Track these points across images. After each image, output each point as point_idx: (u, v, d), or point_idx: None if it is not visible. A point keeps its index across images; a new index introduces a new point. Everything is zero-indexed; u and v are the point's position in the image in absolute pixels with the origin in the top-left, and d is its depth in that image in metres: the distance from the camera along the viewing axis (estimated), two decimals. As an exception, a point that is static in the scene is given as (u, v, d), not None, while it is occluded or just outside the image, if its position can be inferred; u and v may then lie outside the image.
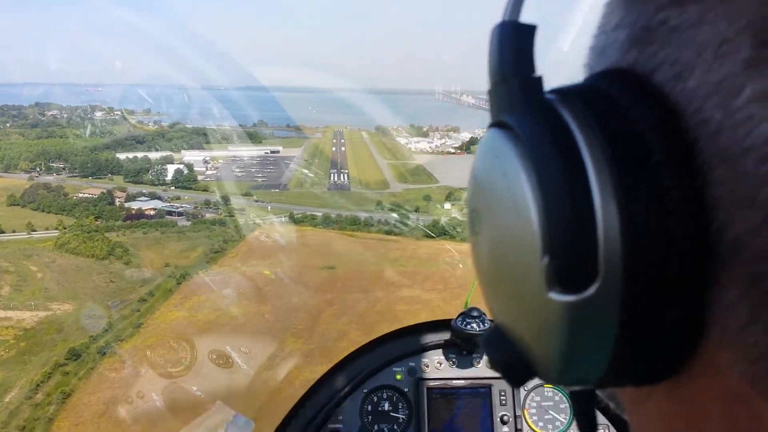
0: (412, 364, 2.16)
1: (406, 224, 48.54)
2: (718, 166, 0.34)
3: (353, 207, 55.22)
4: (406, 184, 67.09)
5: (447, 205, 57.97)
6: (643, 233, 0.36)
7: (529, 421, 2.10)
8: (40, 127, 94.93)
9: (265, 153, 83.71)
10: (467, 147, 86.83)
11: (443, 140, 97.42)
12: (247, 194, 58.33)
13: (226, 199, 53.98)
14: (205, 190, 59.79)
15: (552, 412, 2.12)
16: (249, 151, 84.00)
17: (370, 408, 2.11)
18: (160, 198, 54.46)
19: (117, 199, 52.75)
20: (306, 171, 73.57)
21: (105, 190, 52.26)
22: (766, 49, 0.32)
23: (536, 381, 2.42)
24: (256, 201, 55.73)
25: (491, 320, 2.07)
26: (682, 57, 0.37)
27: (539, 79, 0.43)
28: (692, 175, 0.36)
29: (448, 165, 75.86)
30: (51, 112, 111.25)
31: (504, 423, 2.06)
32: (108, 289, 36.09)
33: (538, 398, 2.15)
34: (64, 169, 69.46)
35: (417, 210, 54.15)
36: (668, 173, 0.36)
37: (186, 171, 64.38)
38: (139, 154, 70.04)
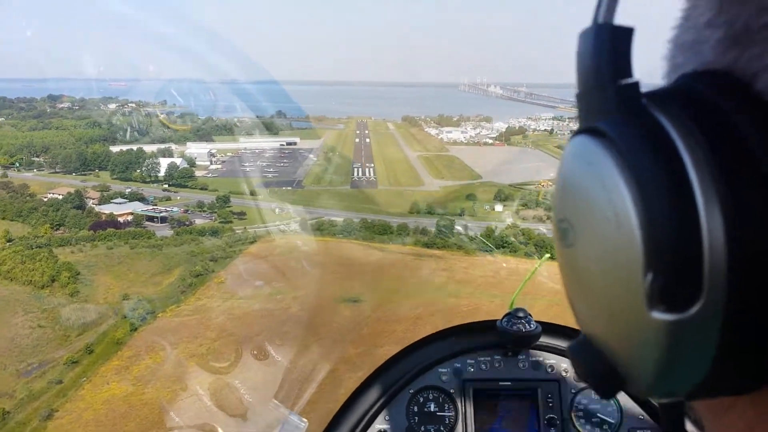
0: (458, 365, 2.05)
1: (450, 233, 35.70)
2: None
3: (382, 210, 42.44)
4: (443, 180, 54.14)
5: (498, 207, 45.28)
6: (750, 250, 0.34)
7: (576, 424, 1.98)
8: (41, 118, 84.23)
9: (281, 145, 71.18)
10: (507, 137, 73.81)
11: (477, 130, 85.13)
12: (252, 193, 45.95)
13: (224, 201, 41.34)
14: (203, 188, 47.34)
15: (600, 415, 1.98)
16: (262, 143, 71.71)
17: (416, 409, 2.02)
18: (143, 199, 42.08)
19: (90, 201, 40.47)
20: (325, 165, 61.05)
21: (73, 190, 39.95)
22: None
23: (583, 383, 1.86)
24: (263, 202, 43.37)
25: (538, 322, 1.99)
26: None
27: (637, 85, 0.40)
28: None
29: (489, 157, 62.83)
30: (62, 105, 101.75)
31: (551, 425, 1.95)
32: (30, 340, 23.59)
33: (585, 401, 2.00)
34: (49, 163, 58.05)
35: (461, 213, 41.29)
36: None
37: (184, 165, 52.24)
38: (135, 147, 58.32)
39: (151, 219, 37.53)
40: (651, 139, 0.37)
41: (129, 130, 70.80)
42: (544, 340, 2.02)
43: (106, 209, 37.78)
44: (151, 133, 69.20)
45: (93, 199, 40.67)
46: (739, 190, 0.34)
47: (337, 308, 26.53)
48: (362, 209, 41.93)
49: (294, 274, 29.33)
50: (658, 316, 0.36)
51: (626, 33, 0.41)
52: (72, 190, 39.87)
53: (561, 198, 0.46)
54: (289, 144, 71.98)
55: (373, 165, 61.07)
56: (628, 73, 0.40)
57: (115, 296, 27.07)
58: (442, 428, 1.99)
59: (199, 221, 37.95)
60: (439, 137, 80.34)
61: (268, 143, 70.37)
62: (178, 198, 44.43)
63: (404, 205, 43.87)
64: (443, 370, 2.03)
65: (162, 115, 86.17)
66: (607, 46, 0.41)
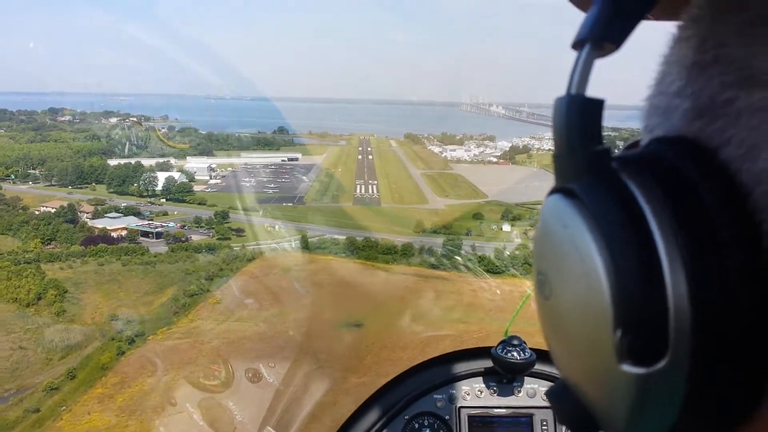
0: (453, 391, 2.04)
1: (457, 254, 34.13)
2: None
3: (386, 228, 40.90)
4: (448, 199, 52.67)
5: (506, 227, 43.39)
6: (712, 311, 0.36)
7: None
8: (40, 131, 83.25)
9: (282, 161, 69.72)
10: (511, 156, 72.59)
11: (481, 149, 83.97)
12: (251, 209, 44.41)
13: (223, 216, 39.82)
14: (202, 203, 45.81)
15: None
16: (264, 159, 70.20)
17: None
18: (138, 214, 40.58)
19: (84, 215, 38.96)
20: (327, 181, 59.59)
21: (66, 204, 38.47)
22: None
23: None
24: (262, 218, 41.77)
25: (532, 349, 1.96)
26: (749, 138, 0.37)
27: (607, 151, 0.42)
28: (759, 257, 0.36)
29: (494, 176, 61.50)
30: (63, 118, 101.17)
31: None
32: (9, 363, 21.83)
33: None
34: (45, 176, 56.60)
35: (468, 233, 39.73)
36: (735, 254, 0.36)
37: (183, 179, 50.76)
38: (133, 161, 56.89)
39: (145, 234, 35.96)
40: (620, 203, 0.39)
41: (127, 144, 69.79)
42: (539, 367, 1.96)
43: (99, 224, 36.19)
44: (149, 147, 67.89)
45: (87, 213, 39.15)
46: (701, 255, 0.36)
47: (338, 333, 24.89)
48: (365, 227, 40.43)
49: (293, 296, 27.74)
50: (627, 369, 0.38)
51: (597, 104, 0.44)
52: (65, 204, 38.35)
53: (539, 252, 0.49)
54: (290, 160, 70.51)
55: (376, 182, 59.70)
56: (599, 140, 0.43)
57: (103, 316, 25.40)
58: None
59: (196, 237, 36.37)
60: (443, 155, 79.04)
61: (269, 158, 68.98)
62: (176, 213, 42.96)
63: (408, 223, 42.39)
64: (438, 397, 2.00)
65: (162, 130, 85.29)
66: (579, 115, 0.43)
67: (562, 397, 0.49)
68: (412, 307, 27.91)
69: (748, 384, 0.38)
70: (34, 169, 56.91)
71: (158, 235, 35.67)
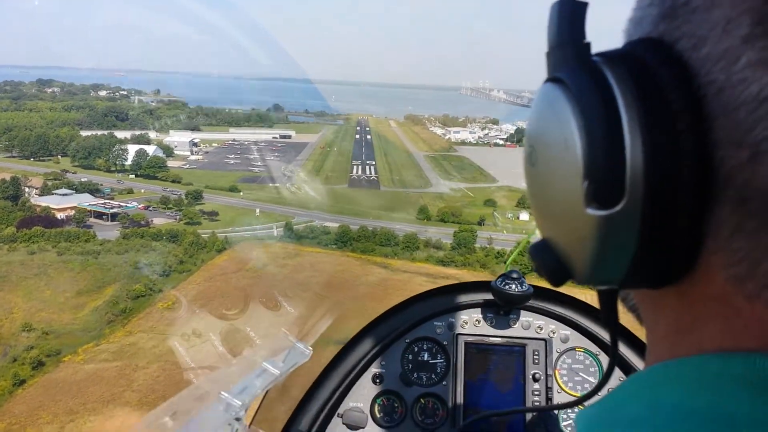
0: (452, 319, 2.11)
1: (472, 247, 27.66)
2: (720, 115, 0.44)
3: (385, 214, 34.29)
4: (453, 182, 46.01)
5: (524, 215, 36.91)
6: (661, 164, 0.45)
7: (560, 381, 2.03)
8: (20, 100, 76.64)
9: (273, 138, 62.82)
10: (519, 139, 66.07)
11: (485, 131, 77.71)
12: (231, 189, 37.64)
13: (195, 197, 33.03)
14: (175, 181, 38.98)
15: (582, 374, 2.03)
16: (254, 135, 63.22)
17: (410, 357, 2.06)
18: (96, 191, 33.77)
19: (33, 191, 32.22)
20: (320, 162, 52.70)
21: (9, 177, 31.65)
22: (758, 28, 0.40)
23: (569, 344, 2.05)
24: (243, 200, 34.98)
25: (531, 284, 2.04)
26: (698, 31, 0.45)
27: (588, 45, 0.51)
28: (700, 122, 0.45)
29: (503, 159, 54.86)
30: (51, 89, 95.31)
31: (535, 380, 2.01)
32: None
33: (569, 360, 2.05)
34: (6, 146, 49.61)
35: (481, 222, 33.17)
36: (682, 119, 0.45)
37: (158, 153, 43.86)
38: (107, 132, 49.88)
39: (99, 215, 29.30)
40: (595, 85, 0.47)
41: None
42: (535, 302, 2.02)
43: (44, 202, 29.49)
44: (131, 119, 61.20)
45: (35, 188, 32.34)
46: (654, 124, 0.45)
47: (322, 354, 18.45)
48: (361, 213, 33.74)
49: (269, 299, 21.13)
50: (592, 212, 0.47)
51: (582, 6, 0.52)
52: (8, 177, 31.56)
53: (530, 130, 0.57)
54: (282, 137, 63.64)
55: (374, 163, 52.88)
56: (583, 36, 0.52)
57: (14, 325, 18.79)
58: (433, 376, 2.01)
59: (160, 221, 29.65)
60: (446, 137, 72.52)
61: (260, 135, 62.21)
62: (143, 191, 36.14)
63: (411, 209, 35.76)
64: (438, 324, 2.05)
65: (152, 104, 78.57)
66: (568, 15, 0.52)
67: (541, 250, 0.57)
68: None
69: (692, 227, 0.46)
70: (-5, 140, 50.14)
71: (113, 217, 28.94)
